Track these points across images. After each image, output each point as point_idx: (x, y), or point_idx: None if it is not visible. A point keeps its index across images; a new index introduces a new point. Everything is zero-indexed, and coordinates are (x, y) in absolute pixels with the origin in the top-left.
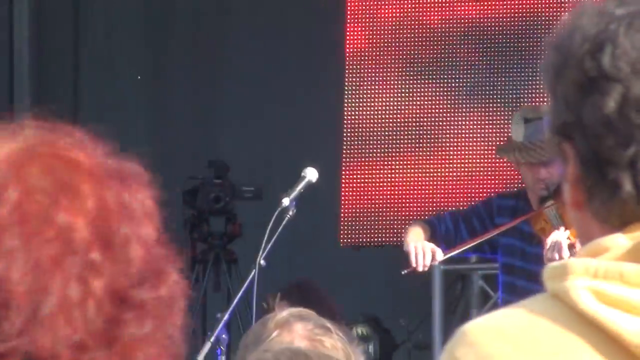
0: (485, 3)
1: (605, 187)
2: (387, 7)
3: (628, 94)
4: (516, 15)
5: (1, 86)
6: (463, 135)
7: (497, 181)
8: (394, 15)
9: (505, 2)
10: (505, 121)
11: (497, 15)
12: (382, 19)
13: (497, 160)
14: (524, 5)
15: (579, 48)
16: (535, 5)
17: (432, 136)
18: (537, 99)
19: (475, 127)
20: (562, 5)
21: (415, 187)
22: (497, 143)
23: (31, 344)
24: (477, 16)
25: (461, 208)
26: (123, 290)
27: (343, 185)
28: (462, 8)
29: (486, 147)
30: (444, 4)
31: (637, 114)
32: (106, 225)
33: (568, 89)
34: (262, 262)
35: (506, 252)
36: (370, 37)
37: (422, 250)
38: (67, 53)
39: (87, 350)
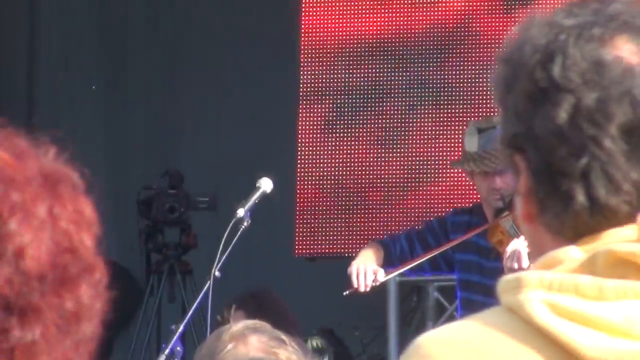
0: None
1: (558, 199)
2: (340, 18)
3: (579, 104)
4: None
5: None
6: (424, 141)
7: (456, 191)
8: (348, 23)
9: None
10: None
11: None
12: (337, 29)
13: (458, 170)
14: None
15: (529, 59)
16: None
17: (390, 146)
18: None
19: (435, 132)
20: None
21: (371, 198)
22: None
23: None
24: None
25: (416, 227)
26: (11, 296)
27: (298, 195)
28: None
29: (448, 155)
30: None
31: (588, 124)
32: (2, 226)
33: (519, 100)
34: (217, 273)
35: (463, 268)
36: (326, 44)
37: (363, 270)
38: (22, 62)
39: None
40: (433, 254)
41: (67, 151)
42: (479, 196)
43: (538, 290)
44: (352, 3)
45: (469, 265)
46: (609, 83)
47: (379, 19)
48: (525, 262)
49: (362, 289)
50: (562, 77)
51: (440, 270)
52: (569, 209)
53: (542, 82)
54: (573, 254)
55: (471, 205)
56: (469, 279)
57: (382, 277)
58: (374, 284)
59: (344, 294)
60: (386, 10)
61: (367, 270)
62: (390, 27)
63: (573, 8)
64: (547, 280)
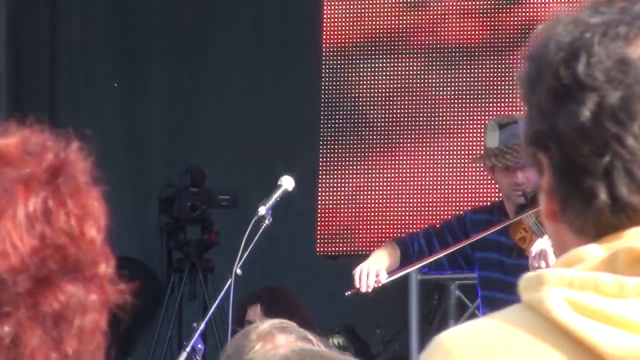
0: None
1: (580, 197)
2: (363, 15)
3: (603, 103)
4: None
5: None
6: (444, 143)
7: (478, 190)
8: (370, 20)
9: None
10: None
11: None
12: (359, 24)
13: (477, 169)
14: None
15: (553, 56)
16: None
17: (412, 144)
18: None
19: (459, 132)
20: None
21: (394, 196)
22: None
23: None
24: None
25: (435, 225)
26: None
27: (319, 193)
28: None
29: (471, 155)
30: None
31: (612, 123)
32: None
33: (542, 98)
34: (238, 271)
35: (484, 266)
36: (349, 42)
37: (366, 271)
38: (44, 60)
39: None
40: (446, 252)
41: (90, 146)
42: (499, 194)
43: (559, 287)
44: (374, 3)
45: (490, 263)
46: (633, 81)
47: (402, 18)
48: (552, 261)
49: (363, 290)
50: (587, 75)
51: (459, 268)
52: (591, 207)
53: (566, 80)
54: (594, 252)
55: (490, 203)
56: (490, 276)
57: (384, 278)
58: (375, 285)
59: (346, 294)
60: (411, 11)
61: (370, 271)
62: (415, 27)
63: (599, 6)
64: (568, 278)
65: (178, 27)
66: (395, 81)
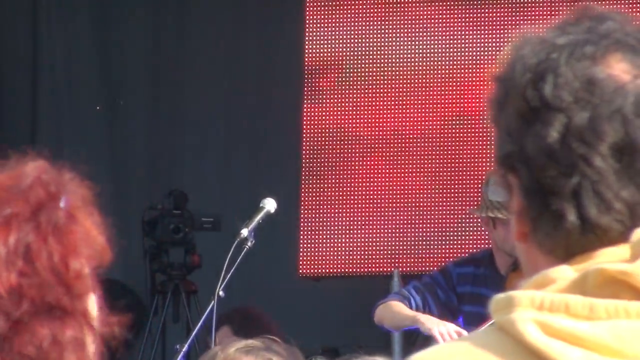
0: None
1: (549, 218)
2: (345, 34)
3: (570, 124)
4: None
5: None
6: (429, 162)
7: (461, 208)
8: (352, 35)
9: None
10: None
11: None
12: (341, 39)
13: (462, 186)
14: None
15: (520, 78)
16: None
17: (394, 164)
18: None
19: (443, 154)
20: None
21: (377, 217)
22: (464, 171)
23: None
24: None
25: (422, 279)
26: None
27: (302, 215)
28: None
29: (457, 173)
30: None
31: (579, 144)
32: None
33: (511, 120)
34: (221, 293)
35: (470, 321)
36: (330, 57)
37: (447, 335)
38: (26, 84)
39: None
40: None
41: (82, 173)
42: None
43: (529, 309)
44: (356, 23)
45: (477, 318)
46: (600, 101)
47: (384, 39)
48: None
49: None
50: (554, 96)
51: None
52: (560, 228)
53: (533, 102)
54: (564, 273)
55: (470, 255)
56: (476, 311)
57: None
58: None
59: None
60: (395, 25)
61: (450, 334)
62: (399, 43)
63: (566, 26)
64: (538, 300)
65: (160, 51)
66: (378, 99)
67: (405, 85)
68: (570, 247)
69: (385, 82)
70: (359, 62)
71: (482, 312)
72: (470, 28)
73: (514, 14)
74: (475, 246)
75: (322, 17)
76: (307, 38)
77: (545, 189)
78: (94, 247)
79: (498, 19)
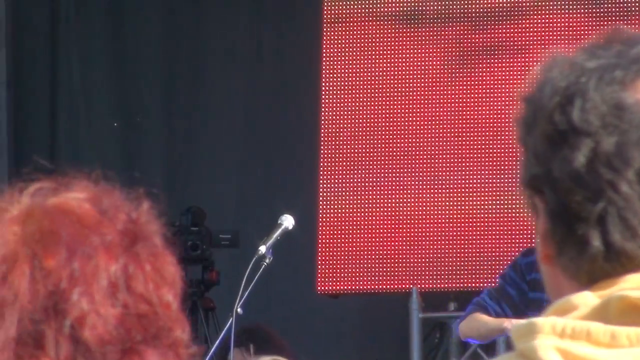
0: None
1: (573, 243)
2: (363, 49)
3: (598, 149)
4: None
5: None
6: (446, 177)
7: (481, 222)
8: (370, 61)
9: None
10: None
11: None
12: (358, 62)
13: (480, 202)
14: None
15: (549, 101)
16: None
17: (412, 181)
18: None
19: (460, 168)
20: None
21: (396, 233)
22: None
23: None
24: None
25: (494, 285)
26: None
27: (320, 231)
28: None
29: (472, 189)
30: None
31: (606, 169)
32: (58, 299)
33: (538, 142)
34: (239, 310)
35: (535, 307)
36: (349, 79)
37: None
38: (44, 100)
39: None
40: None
41: (159, 206)
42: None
43: (551, 336)
44: (375, 44)
45: (542, 305)
46: (628, 127)
47: (402, 58)
48: None
49: None
50: (582, 120)
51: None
52: (584, 253)
53: (561, 125)
54: (587, 299)
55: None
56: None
57: None
58: None
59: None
60: (409, 51)
61: None
62: (415, 57)
63: (597, 50)
64: (560, 327)
65: (176, 69)
66: (396, 113)
67: (423, 104)
68: (593, 272)
69: (403, 98)
70: (377, 80)
71: (544, 297)
72: (486, 50)
73: (534, 36)
74: (495, 262)
75: (340, 33)
76: (324, 56)
77: (571, 213)
78: (176, 277)
79: (515, 43)
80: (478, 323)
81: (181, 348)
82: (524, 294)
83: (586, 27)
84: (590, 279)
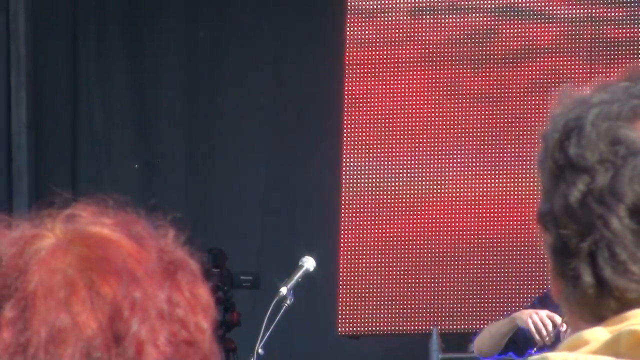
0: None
1: (568, 278)
2: (386, 64)
3: (592, 184)
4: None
5: (0, 175)
6: (466, 217)
7: (498, 264)
8: (389, 85)
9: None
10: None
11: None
12: (381, 76)
13: (502, 243)
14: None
15: (551, 138)
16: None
17: (432, 223)
18: None
19: (480, 207)
20: None
21: (415, 275)
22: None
23: None
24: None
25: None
26: None
27: (341, 273)
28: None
29: (493, 230)
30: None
31: (598, 204)
32: (120, 328)
33: (546, 179)
34: (260, 350)
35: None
36: (370, 118)
37: (541, 322)
38: (65, 142)
39: None
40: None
41: (185, 233)
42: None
43: None
44: (395, 54)
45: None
46: (622, 162)
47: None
48: None
49: (548, 342)
50: (577, 155)
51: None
52: (577, 288)
53: (560, 161)
54: (598, 334)
55: None
56: None
57: (559, 321)
58: (555, 330)
59: (533, 350)
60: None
61: (543, 319)
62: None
63: (607, 87)
64: None
65: (196, 109)
66: (416, 151)
67: (443, 133)
68: (590, 307)
69: (424, 130)
70: (399, 114)
71: None
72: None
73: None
74: (517, 302)
75: (361, 54)
76: (346, 91)
77: (565, 248)
78: (211, 303)
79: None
80: (488, 331)
81: None
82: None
83: (599, 71)
84: (590, 313)
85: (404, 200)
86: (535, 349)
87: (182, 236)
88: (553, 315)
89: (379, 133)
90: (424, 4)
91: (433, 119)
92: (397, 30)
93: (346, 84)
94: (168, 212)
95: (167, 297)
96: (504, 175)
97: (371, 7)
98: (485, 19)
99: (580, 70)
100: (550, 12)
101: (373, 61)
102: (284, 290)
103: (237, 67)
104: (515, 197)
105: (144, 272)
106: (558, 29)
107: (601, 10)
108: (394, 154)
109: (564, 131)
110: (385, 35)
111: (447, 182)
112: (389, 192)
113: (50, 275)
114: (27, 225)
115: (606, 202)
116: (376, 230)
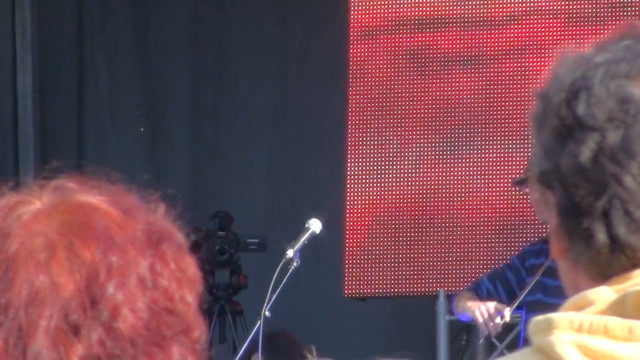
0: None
1: (580, 237)
2: (387, 60)
3: (603, 143)
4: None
5: (6, 139)
6: (474, 179)
7: (505, 226)
8: (394, 66)
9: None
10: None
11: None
12: (385, 65)
13: (509, 205)
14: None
15: (556, 96)
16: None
17: (439, 183)
18: None
19: (490, 170)
20: None
21: (422, 237)
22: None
23: None
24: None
25: (498, 267)
26: (102, 356)
27: (347, 234)
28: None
29: (500, 192)
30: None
31: (611, 163)
32: (96, 290)
33: (547, 137)
34: (267, 313)
35: (528, 291)
36: (375, 84)
37: (486, 311)
38: (71, 107)
39: None
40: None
41: (176, 209)
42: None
43: (568, 331)
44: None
45: (534, 286)
46: (633, 121)
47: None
48: None
49: (493, 333)
50: (587, 115)
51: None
52: (590, 247)
53: (567, 120)
54: (603, 294)
55: (546, 235)
56: (536, 299)
57: (508, 313)
58: (501, 321)
59: (480, 342)
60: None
61: (489, 309)
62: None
63: (606, 45)
64: (577, 322)
65: (203, 74)
66: (425, 107)
67: (452, 93)
68: (601, 266)
69: (434, 88)
70: (405, 102)
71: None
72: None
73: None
74: None
75: (365, 17)
76: (352, 58)
77: (577, 207)
78: (197, 278)
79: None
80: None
81: (199, 349)
82: (522, 281)
83: (588, 31)
84: (600, 273)
85: (412, 160)
86: (481, 341)
87: (172, 212)
88: (499, 306)
89: (384, 95)
90: None
91: (438, 85)
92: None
93: (351, 46)
94: (167, 186)
95: (150, 266)
96: (513, 141)
97: None
98: None
99: (560, 33)
100: None
101: (377, 22)
102: (290, 252)
103: (243, 32)
104: (525, 161)
105: (126, 239)
106: None
107: None
108: (403, 111)
109: (570, 90)
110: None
111: (458, 144)
112: (398, 154)
113: (32, 238)
114: (14, 194)
115: (619, 160)
116: (383, 192)
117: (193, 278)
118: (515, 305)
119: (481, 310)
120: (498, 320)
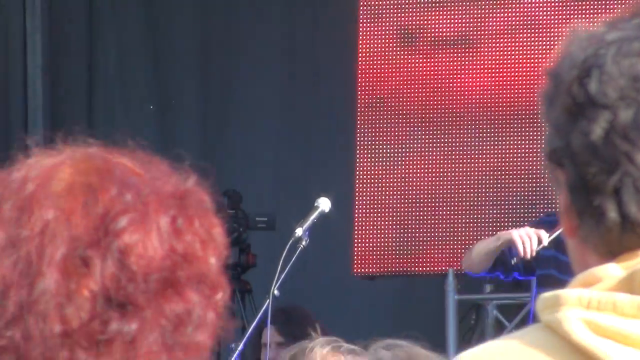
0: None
1: (591, 214)
2: (399, 49)
3: (615, 121)
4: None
5: (16, 118)
6: (484, 158)
7: (526, 204)
8: (408, 54)
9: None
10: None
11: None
12: (396, 51)
13: (519, 184)
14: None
15: (567, 74)
16: None
17: (453, 163)
18: None
19: (499, 149)
20: None
21: (433, 215)
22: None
23: (22, 335)
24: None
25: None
26: (113, 290)
27: (356, 213)
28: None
29: (516, 166)
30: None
31: (623, 141)
32: (107, 231)
33: (558, 115)
34: (276, 292)
35: (542, 264)
36: (384, 59)
37: (527, 236)
38: (81, 84)
39: (75, 344)
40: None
41: (207, 181)
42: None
43: (577, 308)
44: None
45: (547, 261)
46: None
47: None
48: None
49: (529, 256)
50: (599, 92)
51: (518, 271)
52: (601, 225)
53: (579, 98)
54: (612, 271)
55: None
56: (548, 273)
57: (546, 240)
58: (539, 248)
59: (512, 262)
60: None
61: (530, 235)
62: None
63: (618, 23)
64: (586, 298)
65: (211, 52)
66: (434, 84)
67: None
68: (611, 244)
69: (441, 69)
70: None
71: (549, 253)
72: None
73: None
74: None
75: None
76: (361, 42)
77: (588, 185)
78: (222, 239)
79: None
80: (476, 245)
81: (220, 309)
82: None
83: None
84: (610, 251)
85: (422, 142)
86: (514, 260)
87: (204, 182)
88: (540, 232)
89: (395, 73)
90: None
91: (448, 64)
92: None
93: (360, 28)
94: (184, 158)
95: (172, 219)
96: (520, 122)
97: None
98: None
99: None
100: None
101: (385, 5)
102: (299, 231)
103: (253, 11)
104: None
105: (149, 191)
106: None
107: None
108: (412, 93)
109: (582, 68)
110: None
111: (466, 124)
112: (407, 133)
113: (50, 180)
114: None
115: (630, 138)
116: (392, 170)
117: (218, 239)
118: (552, 237)
119: (519, 232)
120: (535, 244)
